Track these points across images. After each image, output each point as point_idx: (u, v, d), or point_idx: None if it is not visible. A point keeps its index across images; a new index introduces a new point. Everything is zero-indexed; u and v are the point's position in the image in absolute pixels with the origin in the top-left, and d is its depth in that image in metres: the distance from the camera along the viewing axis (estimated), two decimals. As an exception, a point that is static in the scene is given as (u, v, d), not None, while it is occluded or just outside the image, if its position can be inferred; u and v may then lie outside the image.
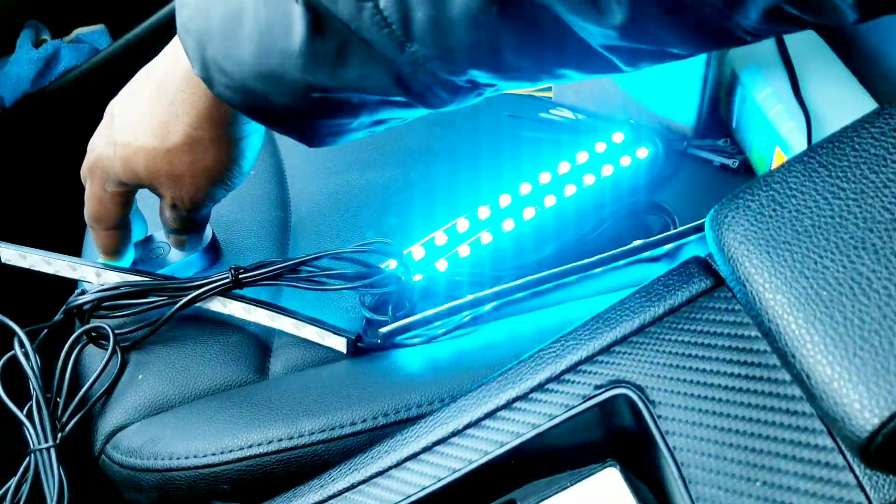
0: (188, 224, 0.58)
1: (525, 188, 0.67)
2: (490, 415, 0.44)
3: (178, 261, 0.62)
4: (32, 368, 0.56)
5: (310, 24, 0.42)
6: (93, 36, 1.06)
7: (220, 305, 0.60)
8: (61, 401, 0.56)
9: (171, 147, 0.52)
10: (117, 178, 0.55)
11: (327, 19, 0.42)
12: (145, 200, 0.61)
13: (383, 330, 0.59)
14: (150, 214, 0.64)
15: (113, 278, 0.60)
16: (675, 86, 0.69)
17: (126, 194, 0.57)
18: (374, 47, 0.42)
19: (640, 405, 0.41)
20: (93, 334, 0.59)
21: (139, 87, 0.54)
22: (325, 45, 0.43)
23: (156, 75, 0.53)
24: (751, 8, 0.37)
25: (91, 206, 0.57)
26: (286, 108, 0.47)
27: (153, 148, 0.53)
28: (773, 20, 0.37)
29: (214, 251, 0.65)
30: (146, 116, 0.53)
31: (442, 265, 0.64)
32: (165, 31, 1.03)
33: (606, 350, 0.43)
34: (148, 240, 0.64)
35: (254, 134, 0.55)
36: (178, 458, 0.54)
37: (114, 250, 0.60)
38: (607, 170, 0.69)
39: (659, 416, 0.40)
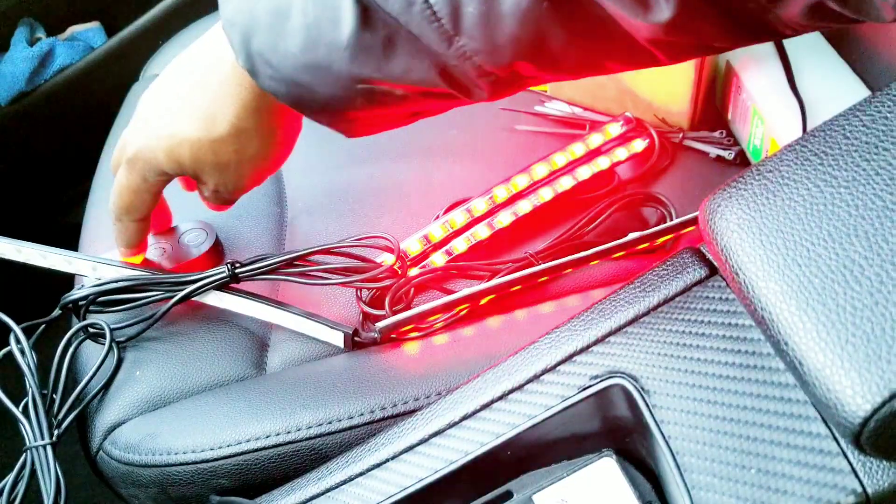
0: (226, 203, 0.60)
1: (521, 181, 0.67)
2: (486, 406, 0.44)
3: (181, 262, 0.62)
4: (28, 365, 0.56)
5: (359, 17, 0.43)
6: (88, 34, 1.06)
7: (216, 300, 0.60)
8: (58, 397, 0.56)
9: (216, 138, 0.53)
10: (160, 168, 0.55)
11: (376, 13, 0.43)
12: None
13: (380, 324, 0.59)
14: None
15: (109, 273, 0.60)
16: (670, 77, 0.69)
17: (163, 184, 0.58)
18: (421, 40, 0.43)
19: (636, 395, 0.41)
20: (89, 330, 0.59)
21: (178, 79, 0.55)
22: (373, 38, 0.44)
23: (197, 68, 0.54)
24: (793, 3, 0.37)
25: (125, 196, 0.57)
26: (330, 98, 0.48)
27: (198, 139, 0.53)
28: (814, 16, 0.38)
29: (218, 253, 0.65)
30: (190, 108, 0.53)
31: (438, 259, 0.64)
32: (160, 29, 1.03)
33: (602, 340, 0.43)
34: (152, 240, 0.64)
35: (295, 122, 0.56)
36: (176, 454, 0.54)
37: (137, 242, 0.60)
38: (603, 162, 0.69)
39: (654, 406, 0.40)
